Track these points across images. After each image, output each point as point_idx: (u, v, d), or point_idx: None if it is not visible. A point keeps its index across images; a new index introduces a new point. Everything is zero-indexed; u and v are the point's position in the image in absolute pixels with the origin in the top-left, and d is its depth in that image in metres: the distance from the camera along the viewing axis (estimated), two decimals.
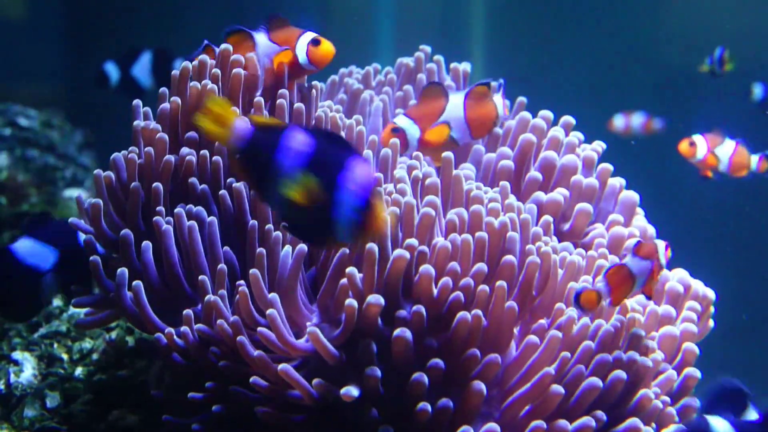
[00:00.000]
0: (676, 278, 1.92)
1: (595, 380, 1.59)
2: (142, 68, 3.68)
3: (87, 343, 2.29)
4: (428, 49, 2.41)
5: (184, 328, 1.66)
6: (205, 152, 1.84)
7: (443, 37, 5.32)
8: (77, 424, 2.00)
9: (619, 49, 4.89)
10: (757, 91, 4.06)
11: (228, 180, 1.83)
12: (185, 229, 1.73)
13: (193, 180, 1.81)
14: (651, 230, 2.08)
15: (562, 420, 1.57)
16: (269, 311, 1.55)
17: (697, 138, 3.01)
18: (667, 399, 1.73)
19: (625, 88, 4.86)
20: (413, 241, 1.59)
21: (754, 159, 2.97)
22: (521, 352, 1.64)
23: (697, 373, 1.78)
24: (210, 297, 1.65)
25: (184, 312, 1.67)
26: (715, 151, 2.99)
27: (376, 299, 1.54)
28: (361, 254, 1.59)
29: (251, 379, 1.59)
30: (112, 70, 3.69)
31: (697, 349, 1.80)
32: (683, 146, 3.03)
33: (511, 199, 1.82)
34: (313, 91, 1.98)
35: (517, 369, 1.64)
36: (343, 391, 1.51)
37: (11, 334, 2.38)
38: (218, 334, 1.61)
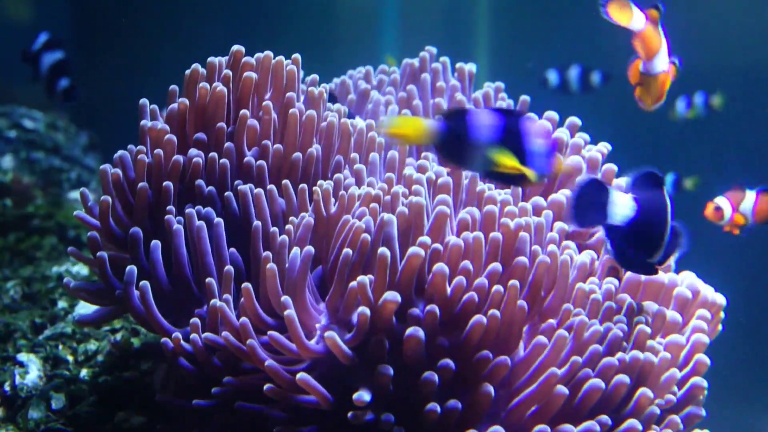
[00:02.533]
0: (685, 283, 1.90)
1: (598, 381, 1.58)
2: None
3: (92, 345, 2.29)
4: (434, 50, 2.41)
5: (192, 336, 1.66)
6: (213, 154, 1.84)
7: (448, 38, 5.32)
8: (82, 425, 2.00)
9: (623, 49, 4.88)
10: (552, 77, 4.10)
11: (235, 182, 1.84)
12: (195, 229, 1.73)
13: (200, 182, 1.82)
14: None
15: (566, 425, 1.56)
16: (287, 312, 1.55)
17: (721, 200, 2.96)
18: (672, 398, 1.72)
19: (629, 88, 4.85)
20: (426, 239, 1.59)
21: None
22: (530, 352, 1.63)
23: (704, 383, 1.75)
24: (216, 302, 1.65)
25: (192, 320, 1.67)
26: (741, 208, 2.93)
27: (393, 296, 1.53)
28: (371, 257, 1.59)
29: (266, 387, 1.58)
30: (42, 38, 3.75)
31: (708, 360, 1.77)
32: (709, 212, 2.97)
33: (524, 203, 1.81)
34: (323, 93, 1.98)
35: (525, 369, 1.63)
36: (355, 396, 1.50)
37: (16, 336, 2.38)
38: (226, 340, 1.60)
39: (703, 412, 1.78)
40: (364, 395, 1.50)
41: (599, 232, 1.98)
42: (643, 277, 1.88)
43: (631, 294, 1.85)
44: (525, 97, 2.31)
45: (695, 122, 4.26)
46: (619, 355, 1.64)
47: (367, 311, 1.53)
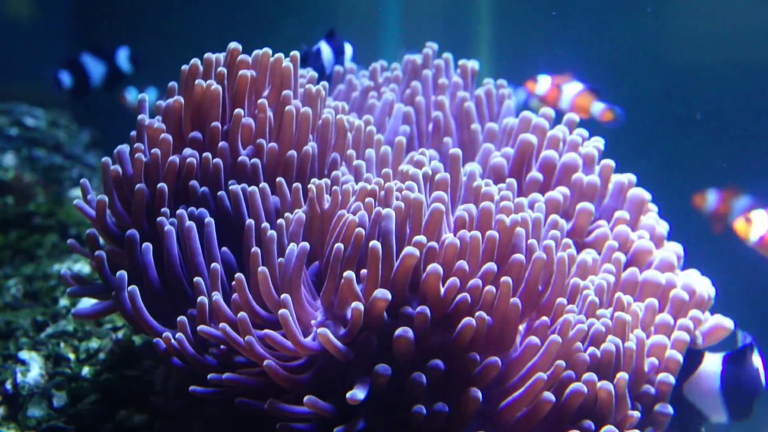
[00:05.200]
0: (681, 284, 1.90)
1: (580, 385, 1.59)
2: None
3: (94, 343, 2.29)
4: (435, 46, 2.41)
5: (178, 335, 1.66)
6: (207, 154, 1.83)
7: (450, 36, 5.31)
8: (84, 424, 2.00)
9: (625, 47, 4.87)
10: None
11: (229, 182, 1.83)
12: (185, 230, 1.73)
13: (194, 183, 1.81)
14: (661, 228, 2.06)
15: None
16: (281, 312, 1.54)
17: (543, 77, 2.91)
18: (650, 390, 1.73)
19: (632, 86, 4.85)
20: (422, 238, 1.58)
21: (599, 106, 2.83)
22: (522, 352, 1.63)
23: (671, 379, 1.74)
24: (203, 299, 1.65)
25: (179, 319, 1.67)
26: (562, 86, 2.85)
27: (383, 294, 1.53)
28: (365, 251, 1.58)
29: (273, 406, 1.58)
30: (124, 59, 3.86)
31: (680, 357, 1.77)
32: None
33: (520, 199, 1.81)
34: (321, 91, 1.97)
35: (518, 369, 1.63)
36: (348, 395, 1.50)
37: (18, 334, 2.38)
38: (223, 331, 1.60)
39: (670, 410, 1.76)
40: (357, 394, 1.50)
41: (598, 229, 1.97)
42: (640, 277, 1.87)
43: (628, 294, 1.84)
44: (502, 83, 2.34)
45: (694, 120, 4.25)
46: (591, 350, 1.64)
47: (361, 306, 1.53)
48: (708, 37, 4.55)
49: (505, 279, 1.57)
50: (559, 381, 1.60)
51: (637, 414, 1.68)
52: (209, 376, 1.61)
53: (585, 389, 1.59)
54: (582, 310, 1.70)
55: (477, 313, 1.55)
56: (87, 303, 2.43)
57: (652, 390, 1.74)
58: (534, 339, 1.61)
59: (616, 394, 1.62)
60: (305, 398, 1.53)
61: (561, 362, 1.59)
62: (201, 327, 1.63)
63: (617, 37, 4.85)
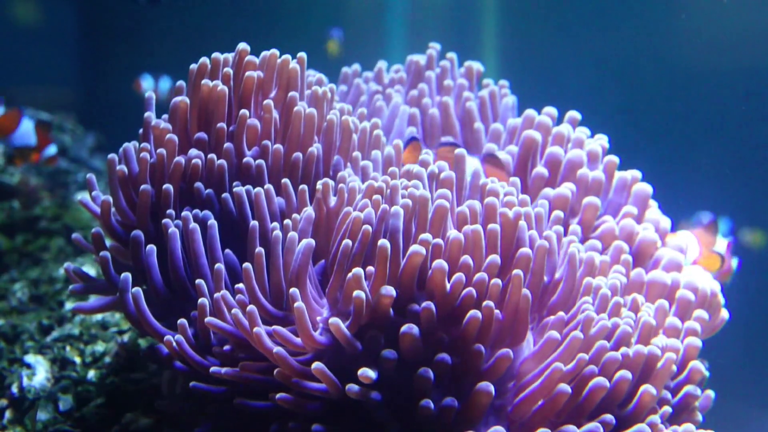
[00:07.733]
0: (684, 283, 1.89)
1: (603, 380, 1.58)
2: None
3: (99, 346, 2.29)
4: (438, 46, 2.41)
5: (178, 337, 1.65)
6: (212, 155, 1.83)
7: (456, 37, 5.31)
8: (90, 427, 2.00)
9: (631, 48, 4.87)
10: None
11: (234, 183, 1.83)
12: (189, 232, 1.73)
13: (199, 184, 1.81)
14: (664, 222, 2.07)
15: (569, 426, 1.56)
16: (297, 304, 1.54)
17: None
18: (668, 397, 1.73)
19: (637, 87, 4.84)
20: (427, 235, 1.58)
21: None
22: (541, 347, 1.62)
23: (698, 392, 1.75)
24: (204, 300, 1.65)
25: (179, 322, 1.67)
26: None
27: (387, 291, 1.53)
28: (371, 248, 1.58)
29: (275, 371, 1.57)
30: None
31: (703, 368, 1.78)
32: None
33: (524, 196, 1.81)
34: (327, 93, 1.96)
35: (536, 364, 1.62)
36: (360, 372, 1.50)
37: (24, 338, 2.38)
38: (235, 318, 1.59)
39: (700, 418, 1.77)
40: (369, 372, 1.50)
41: (604, 224, 1.97)
42: (646, 278, 1.87)
43: (635, 293, 1.84)
44: (503, 82, 2.36)
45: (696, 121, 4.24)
46: (623, 350, 1.63)
47: (362, 295, 1.53)
48: (714, 42, 4.54)
49: (517, 272, 1.57)
50: (581, 376, 1.59)
51: (668, 408, 1.69)
52: (211, 369, 1.61)
53: (607, 384, 1.58)
54: (605, 310, 1.69)
55: (485, 303, 1.54)
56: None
57: (669, 395, 1.75)
58: (554, 334, 1.60)
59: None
60: (313, 365, 1.53)
61: (583, 355, 1.58)
62: (208, 319, 1.63)
63: (621, 39, 4.84)
